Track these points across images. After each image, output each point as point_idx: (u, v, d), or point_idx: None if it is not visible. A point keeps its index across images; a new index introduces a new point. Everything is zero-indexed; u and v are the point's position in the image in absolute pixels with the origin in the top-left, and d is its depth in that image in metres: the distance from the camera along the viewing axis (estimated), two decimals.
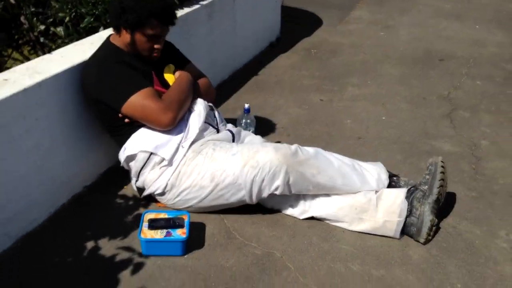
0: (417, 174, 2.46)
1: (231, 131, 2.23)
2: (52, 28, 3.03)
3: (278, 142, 2.66)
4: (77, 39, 2.87)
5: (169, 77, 2.23)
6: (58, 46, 3.09)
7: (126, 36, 2.09)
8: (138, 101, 1.99)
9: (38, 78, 1.94)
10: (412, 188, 2.06)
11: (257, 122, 2.89)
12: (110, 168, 2.41)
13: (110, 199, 2.23)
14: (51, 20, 3.03)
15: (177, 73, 2.24)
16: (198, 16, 3.06)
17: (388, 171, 2.18)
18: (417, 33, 4.77)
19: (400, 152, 2.68)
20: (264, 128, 2.91)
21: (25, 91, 1.86)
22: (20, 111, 1.86)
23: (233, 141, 2.21)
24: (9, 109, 1.81)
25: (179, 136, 2.07)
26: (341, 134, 2.87)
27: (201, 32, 3.13)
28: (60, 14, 2.86)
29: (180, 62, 2.35)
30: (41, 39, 3.14)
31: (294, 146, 2.03)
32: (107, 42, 2.16)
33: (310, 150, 2.07)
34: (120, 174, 2.28)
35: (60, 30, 2.89)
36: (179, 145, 2.06)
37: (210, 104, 2.29)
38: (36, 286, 1.75)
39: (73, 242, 1.96)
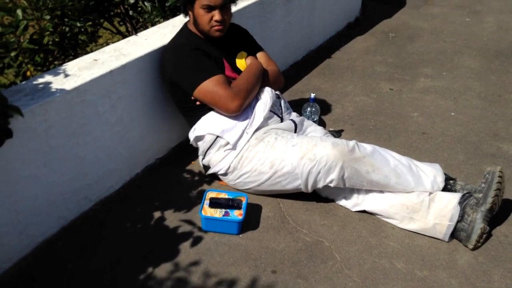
0: (477, 177, 2.46)
1: (294, 121, 2.34)
2: (140, 3, 3.23)
3: (341, 130, 2.76)
4: (162, 17, 3.07)
5: (241, 63, 2.35)
6: (145, 20, 3.30)
7: (191, 17, 2.23)
8: (209, 87, 2.13)
9: (123, 60, 2.13)
10: (466, 194, 2.09)
11: (322, 108, 2.98)
12: (181, 143, 2.61)
13: (179, 172, 2.43)
14: None
15: (249, 60, 2.36)
16: None
17: (445, 174, 2.20)
18: (506, 22, 4.55)
19: (463, 152, 2.67)
20: (329, 115, 2.98)
21: (111, 72, 2.06)
22: (107, 89, 2.07)
23: (295, 131, 2.32)
24: (98, 88, 2.02)
25: (245, 123, 2.20)
26: (405, 128, 2.88)
27: (278, 14, 3.21)
28: None
29: (253, 49, 2.46)
30: (130, 12, 3.36)
31: (352, 143, 2.11)
32: (185, 28, 2.31)
33: (368, 147, 2.14)
34: (189, 149, 2.46)
35: (147, 5, 3.09)
36: (243, 131, 2.20)
37: (277, 92, 2.40)
38: (106, 248, 2.00)
39: (143, 210, 2.18)
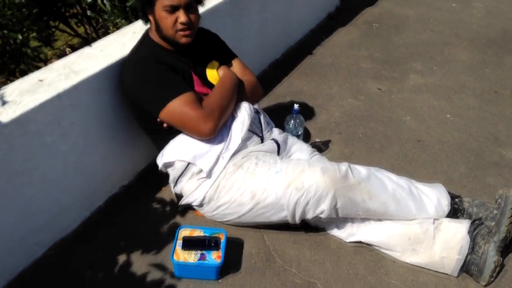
0: (482, 191, 2.22)
1: (276, 141, 2.04)
2: (99, 2, 2.89)
3: (328, 141, 2.49)
4: (123, 18, 2.73)
5: (213, 75, 2.05)
6: (105, 21, 2.96)
7: (153, 23, 1.91)
8: (176, 108, 1.82)
9: (74, 79, 1.81)
10: (476, 222, 1.83)
11: (306, 115, 2.70)
12: (150, 165, 2.29)
13: (147, 202, 2.12)
14: None
15: (221, 71, 2.05)
16: None
17: (449, 193, 1.95)
18: (494, 6, 4.30)
19: (464, 162, 2.42)
20: (313, 123, 2.70)
21: (60, 96, 1.74)
22: (55, 116, 1.75)
23: (278, 153, 2.03)
24: (43, 115, 1.69)
25: (220, 146, 1.91)
26: (398, 135, 2.62)
27: (253, 10, 2.89)
28: None
29: (226, 57, 2.15)
30: (88, 13, 3.01)
31: (344, 167, 1.83)
32: (145, 37, 1.99)
33: (362, 171, 1.86)
34: (158, 172, 2.15)
35: (107, 4, 2.75)
36: (219, 156, 1.90)
37: (256, 106, 2.10)
38: None
39: (106, 253, 1.88)
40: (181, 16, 1.83)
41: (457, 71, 3.28)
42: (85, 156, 1.93)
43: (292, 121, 2.32)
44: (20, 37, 1.92)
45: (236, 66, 2.14)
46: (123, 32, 2.20)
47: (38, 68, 2.90)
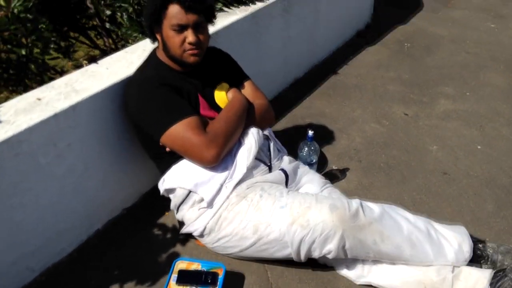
0: (511, 234, 2.02)
1: (285, 171, 1.91)
2: (118, 16, 2.84)
3: (346, 169, 2.34)
4: (140, 32, 2.66)
5: (221, 98, 1.93)
6: (123, 34, 2.91)
7: (160, 42, 1.82)
8: (178, 133, 1.72)
9: (74, 99, 1.73)
10: (500, 273, 1.65)
11: (326, 138, 2.56)
12: (155, 187, 2.18)
13: (148, 227, 2.02)
14: (118, 5, 2.83)
15: (230, 94, 1.94)
16: (272, 11, 2.70)
17: (472, 237, 1.78)
18: None
19: (493, 199, 2.22)
20: (332, 148, 2.55)
21: (56, 116, 1.66)
22: (50, 137, 1.67)
23: (286, 184, 1.90)
24: (37, 136, 1.62)
25: (223, 175, 1.79)
26: (423, 166, 2.44)
27: (274, 27, 2.78)
28: (123, 5, 2.65)
29: (236, 78, 2.03)
30: (107, 25, 2.96)
31: (355, 205, 1.68)
32: (152, 56, 1.89)
33: (375, 209, 1.71)
34: (163, 197, 2.05)
35: (125, 18, 2.70)
36: (222, 185, 1.79)
37: (266, 132, 1.98)
38: None
39: (97, 282, 1.78)
40: (190, 36, 1.73)
41: (491, 97, 3.07)
42: (83, 178, 1.85)
43: (306, 148, 2.18)
44: (23, 52, 1.85)
45: (247, 88, 2.03)
46: (132, 49, 2.12)
47: (52, 79, 2.87)
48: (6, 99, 2.04)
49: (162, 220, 2.07)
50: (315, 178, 2.00)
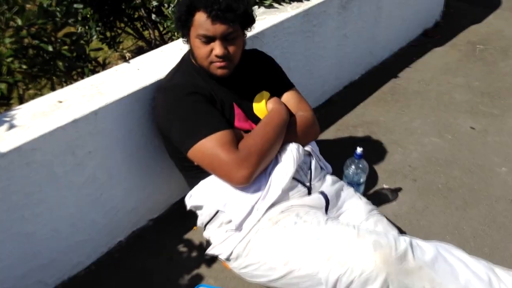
0: None
1: (325, 195, 1.69)
2: (164, 7, 2.69)
3: (398, 189, 2.09)
4: None
5: (260, 108, 1.73)
6: (168, 27, 2.77)
7: (190, 46, 1.65)
8: (207, 149, 1.54)
9: (97, 103, 1.59)
10: None
11: (378, 151, 2.32)
12: (184, 198, 2.03)
13: (173, 243, 1.87)
14: None
15: (270, 104, 1.74)
16: (328, 8, 2.45)
17: None
18: None
19: None
20: (384, 163, 2.30)
21: (76, 122, 1.52)
22: (68, 144, 1.54)
23: (326, 209, 1.68)
24: (53, 144, 1.49)
25: (255, 196, 1.59)
26: (488, 190, 2.14)
27: (329, 26, 2.53)
28: None
29: (279, 86, 1.82)
30: (153, 17, 2.82)
31: (403, 244, 1.44)
32: (185, 58, 1.72)
33: (427, 250, 1.46)
34: None
35: (168, 10, 2.55)
36: (253, 207, 1.59)
37: (308, 148, 1.76)
38: None
39: None
40: (217, 48, 1.54)
41: None
42: (105, 188, 1.71)
43: (353, 167, 1.94)
44: (50, 48, 1.72)
45: (290, 98, 1.81)
46: (169, 47, 1.96)
47: (94, 72, 2.78)
48: (34, 95, 1.95)
49: (189, 235, 1.91)
50: (359, 204, 1.76)
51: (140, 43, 3.42)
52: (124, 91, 1.66)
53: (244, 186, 1.57)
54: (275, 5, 2.32)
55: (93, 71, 2.76)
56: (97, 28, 2.91)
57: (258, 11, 2.26)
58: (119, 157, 1.72)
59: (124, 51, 2.96)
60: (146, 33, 3.11)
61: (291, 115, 1.76)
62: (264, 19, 2.17)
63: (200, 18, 1.52)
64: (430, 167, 2.28)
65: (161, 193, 1.97)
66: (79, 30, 2.86)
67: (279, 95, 1.80)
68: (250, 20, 1.64)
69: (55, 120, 1.49)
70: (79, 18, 2.89)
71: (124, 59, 3.23)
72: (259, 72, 1.79)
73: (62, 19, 1.73)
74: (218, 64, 1.57)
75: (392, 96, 2.84)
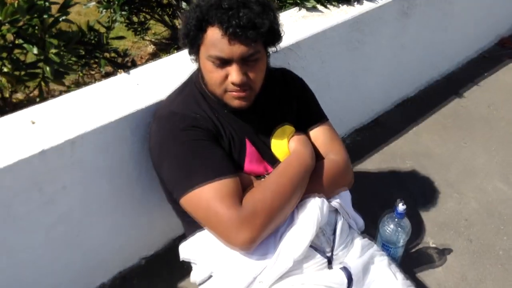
0: None
1: (348, 272, 1.32)
2: None
3: (447, 251, 1.70)
4: None
5: (280, 147, 1.38)
6: None
7: (199, 67, 1.30)
8: (203, 200, 1.20)
9: (75, 130, 1.27)
10: None
11: (426, 195, 1.93)
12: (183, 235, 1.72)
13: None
14: None
15: (292, 144, 1.37)
16: (385, 14, 2.03)
17: None
18: None
19: None
20: (434, 212, 1.90)
21: (43, 154, 1.22)
22: (33, 180, 1.25)
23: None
24: (11, 180, 1.20)
25: (260, 264, 1.25)
26: None
27: (384, 34, 2.11)
28: None
29: (307, 118, 1.45)
30: (183, 5, 2.49)
31: None
32: (192, 78, 1.38)
33: None
34: None
35: None
36: (255, 278, 1.25)
37: (336, 203, 1.39)
38: None
39: None
40: (234, 74, 1.18)
41: None
42: (83, 227, 1.42)
43: (392, 226, 1.56)
44: (35, 51, 1.42)
45: (320, 135, 1.44)
46: (179, 55, 1.62)
47: (113, 63, 2.47)
48: (26, 99, 1.67)
49: (184, 283, 1.60)
50: (392, 282, 1.38)
51: (164, 34, 3.09)
52: (114, 113, 1.34)
53: (245, 251, 1.23)
54: (320, 7, 1.92)
55: (112, 62, 2.48)
56: (123, 13, 2.62)
57: (297, 14, 1.87)
58: (103, 191, 1.42)
59: (147, 43, 2.66)
60: (176, 21, 2.78)
61: (318, 158, 1.39)
62: (302, 27, 1.78)
63: (214, 35, 1.16)
64: (492, 225, 1.86)
65: (158, 229, 1.66)
66: (102, 13, 2.59)
67: (306, 130, 1.43)
68: (276, 37, 1.27)
69: (18, 150, 1.20)
70: (104, 1, 2.63)
71: (155, 46, 2.94)
72: (284, 99, 1.43)
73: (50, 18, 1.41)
74: (236, 93, 1.22)
75: (454, 122, 2.40)
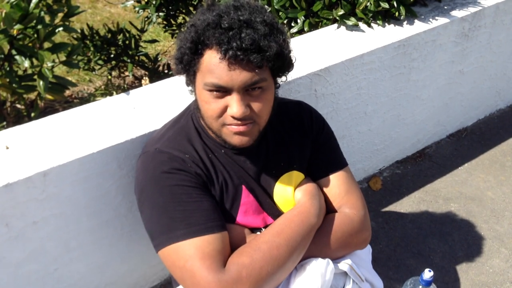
0: None
1: None
2: None
3: None
4: None
5: (283, 196, 1.18)
6: None
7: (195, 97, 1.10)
8: (181, 257, 1.03)
9: (49, 161, 1.14)
10: None
11: (471, 246, 1.68)
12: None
13: None
14: None
15: (299, 194, 1.17)
16: (440, 37, 1.76)
17: None
18: None
19: None
20: (475, 268, 1.64)
21: (10, 188, 1.09)
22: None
23: None
24: None
25: None
26: None
27: (438, 60, 1.84)
28: None
29: (321, 164, 1.23)
30: None
31: None
32: (190, 110, 1.19)
33: None
34: None
35: None
36: None
37: (344, 265, 1.17)
38: None
39: None
40: (234, 105, 0.99)
41: None
42: (61, 263, 1.29)
43: None
44: (26, 64, 1.29)
45: (335, 185, 1.22)
46: (173, 81, 1.44)
47: (144, 67, 2.35)
48: (21, 113, 1.56)
49: None
50: None
51: None
52: (98, 143, 1.19)
53: None
54: (362, 26, 1.68)
55: (142, 66, 2.35)
56: (160, 14, 2.48)
57: (333, 33, 1.65)
58: (83, 226, 1.27)
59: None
60: None
61: (329, 211, 1.18)
62: (335, 49, 1.55)
63: (211, 59, 0.98)
64: None
65: (152, 264, 1.51)
66: (139, 13, 2.46)
67: (319, 177, 1.22)
68: (286, 64, 1.06)
69: None
70: (142, 1, 2.50)
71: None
72: (295, 139, 1.22)
73: (45, 26, 1.27)
74: (235, 128, 1.02)
75: None
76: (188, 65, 1.03)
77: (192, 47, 1.00)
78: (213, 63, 0.97)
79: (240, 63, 0.95)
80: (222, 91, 0.99)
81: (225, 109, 1.01)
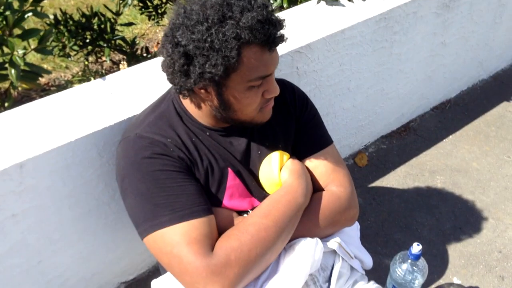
0: None
1: None
2: None
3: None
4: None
5: (269, 177, 1.15)
6: None
7: (207, 101, 1.05)
8: (167, 244, 1.00)
9: (26, 152, 1.10)
10: None
11: (458, 218, 1.66)
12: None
13: None
14: None
15: (285, 174, 1.14)
16: (421, 9, 1.73)
17: None
18: None
19: None
20: (463, 241, 1.63)
21: None
22: None
23: None
24: None
25: None
26: None
27: (420, 32, 1.82)
28: None
29: (306, 142, 1.21)
30: None
31: None
32: (171, 95, 1.15)
33: None
34: None
35: None
36: None
37: (333, 244, 1.16)
38: None
39: None
40: (273, 87, 1.03)
41: None
42: (44, 255, 1.26)
43: (405, 269, 1.31)
44: None
45: (320, 163, 1.20)
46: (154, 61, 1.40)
47: (121, 52, 2.29)
48: None
49: None
50: None
51: None
52: (75, 132, 1.15)
53: None
54: (343, 1, 1.65)
55: (120, 51, 2.30)
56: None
57: (313, 9, 1.61)
58: (65, 217, 1.24)
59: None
60: None
61: (316, 190, 1.17)
62: (316, 26, 1.52)
63: (255, 53, 0.94)
64: None
65: (138, 252, 1.48)
66: None
67: (305, 156, 1.20)
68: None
69: None
70: None
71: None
72: (279, 119, 1.19)
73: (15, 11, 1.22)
74: (270, 105, 1.07)
75: (498, 130, 2.08)
76: (216, 74, 0.96)
77: (235, 47, 0.93)
78: (256, 57, 0.95)
79: (276, 45, 0.97)
80: (262, 80, 0.99)
81: (265, 96, 1.02)
